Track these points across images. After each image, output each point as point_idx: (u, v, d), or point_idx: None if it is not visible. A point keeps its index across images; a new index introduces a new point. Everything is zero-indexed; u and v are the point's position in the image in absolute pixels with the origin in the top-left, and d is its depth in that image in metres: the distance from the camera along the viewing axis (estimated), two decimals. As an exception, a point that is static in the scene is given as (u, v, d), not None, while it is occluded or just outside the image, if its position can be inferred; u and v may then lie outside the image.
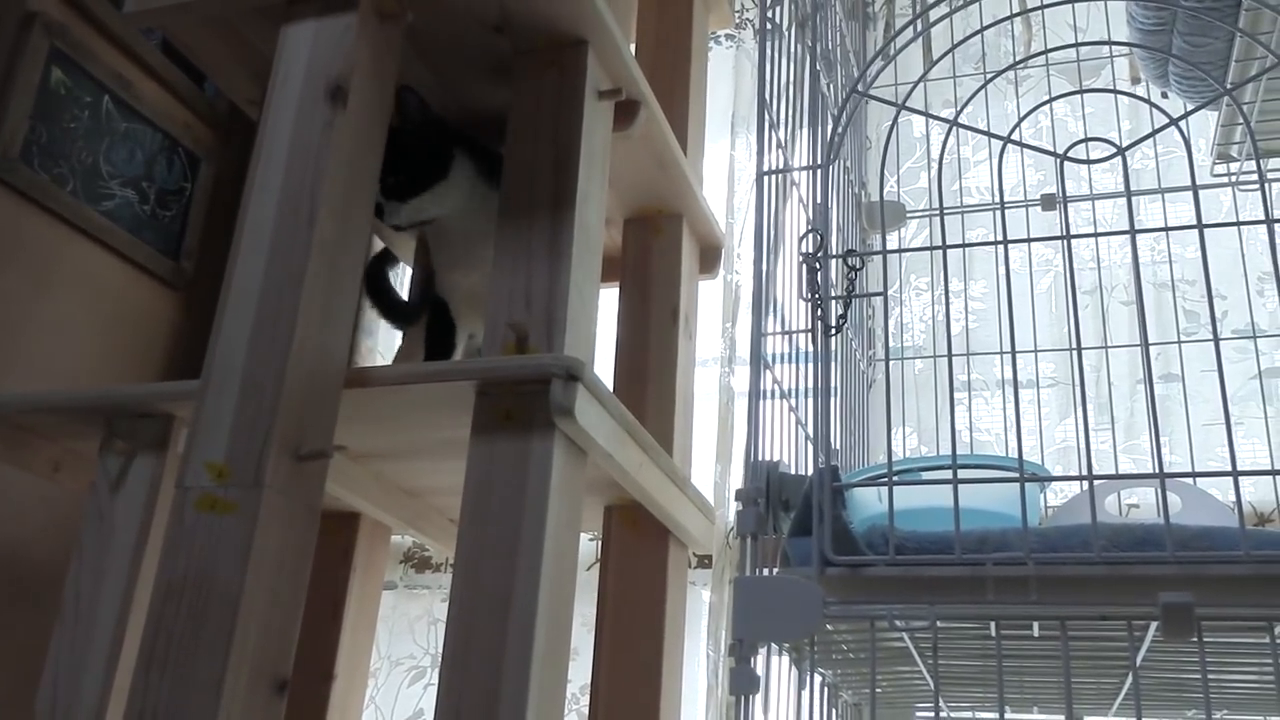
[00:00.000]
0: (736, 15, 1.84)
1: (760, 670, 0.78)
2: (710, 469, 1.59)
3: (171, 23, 1.24)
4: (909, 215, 1.48)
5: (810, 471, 1.02)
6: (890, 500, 0.77)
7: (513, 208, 1.18)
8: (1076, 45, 0.85)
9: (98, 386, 1.22)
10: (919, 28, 0.91)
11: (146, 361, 1.75)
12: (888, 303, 0.86)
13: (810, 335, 0.81)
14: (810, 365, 0.81)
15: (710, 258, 1.61)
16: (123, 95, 1.74)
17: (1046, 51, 0.94)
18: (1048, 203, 1.35)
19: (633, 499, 1.34)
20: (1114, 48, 1.52)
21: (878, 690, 1.21)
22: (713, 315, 1.68)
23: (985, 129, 0.93)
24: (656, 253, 1.52)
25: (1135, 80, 1.62)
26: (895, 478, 0.78)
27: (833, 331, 0.80)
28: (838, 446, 1.17)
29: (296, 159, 1.07)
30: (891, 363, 1.54)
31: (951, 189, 1.61)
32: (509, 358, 1.09)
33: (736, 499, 0.82)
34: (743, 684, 0.76)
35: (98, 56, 1.70)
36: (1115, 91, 1.47)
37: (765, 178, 0.89)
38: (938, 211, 1.49)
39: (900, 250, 0.88)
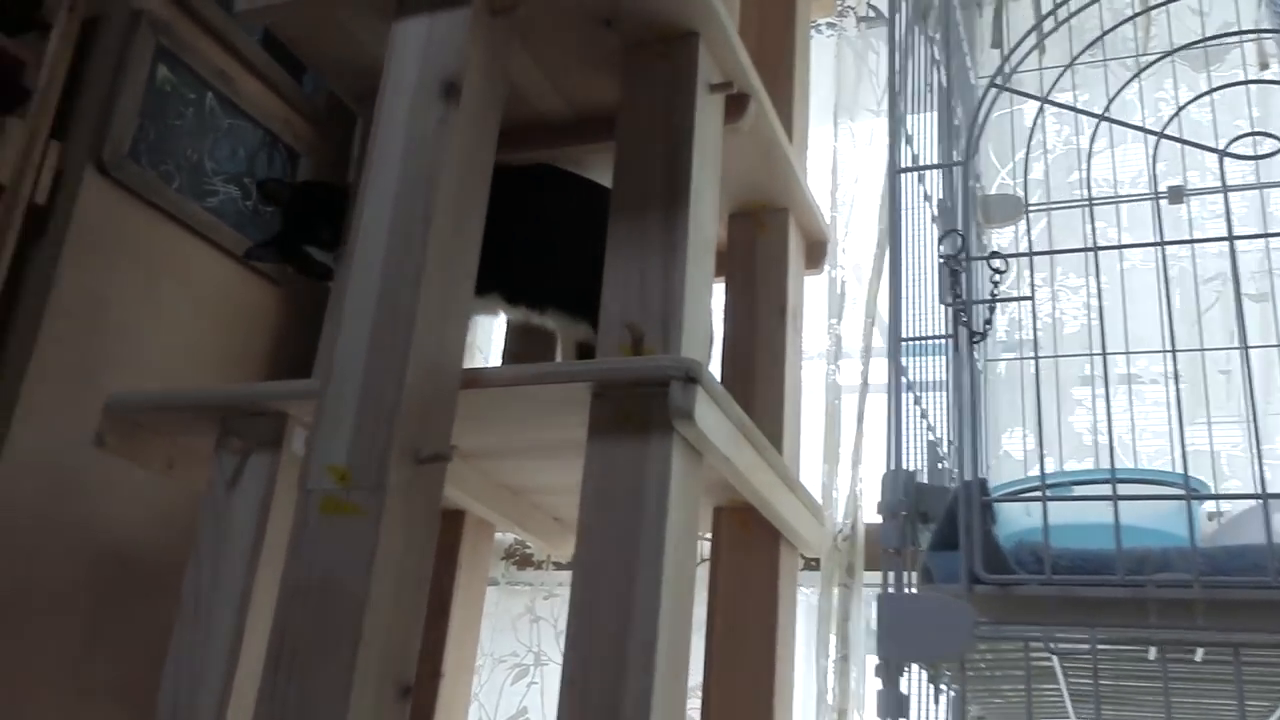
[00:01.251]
0: (838, 3, 1.80)
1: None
2: (817, 468, 1.56)
3: (282, 20, 1.24)
4: (1029, 209, 1.43)
5: (939, 479, 0.99)
6: (1045, 516, 0.73)
7: (625, 205, 1.16)
8: (1211, 41, 0.80)
9: (212, 385, 1.23)
10: (1059, 17, 0.86)
11: (250, 356, 1.76)
12: (1035, 306, 0.82)
13: (952, 341, 0.77)
14: (951, 371, 0.77)
15: (816, 252, 1.58)
16: (225, 92, 1.76)
17: (1206, 43, 0.89)
18: (1175, 195, 1.29)
19: (744, 500, 1.31)
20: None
21: (1004, 704, 1.17)
22: (817, 310, 1.64)
23: (1136, 123, 0.89)
24: (762, 248, 1.49)
25: (1264, 65, 1.55)
26: (1048, 492, 0.74)
27: (977, 338, 0.77)
28: (950, 449, 1.13)
29: (411, 157, 1.06)
30: (1013, 361, 1.49)
31: (1068, 180, 1.56)
32: (626, 359, 1.07)
33: (878, 511, 0.79)
34: (891, 707, 0.73)
35: (201, 53, 1.71)
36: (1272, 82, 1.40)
37: (900, 176, 0.86)
38: (1060, 205, 1.44)
39: (1050, 252, 0.84)
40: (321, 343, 1.29)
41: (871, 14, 1.80)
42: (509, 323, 1.48)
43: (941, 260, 0.78)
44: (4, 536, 1.37)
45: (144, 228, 1.61)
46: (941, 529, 0.80)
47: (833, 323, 1.63)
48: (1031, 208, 1.47)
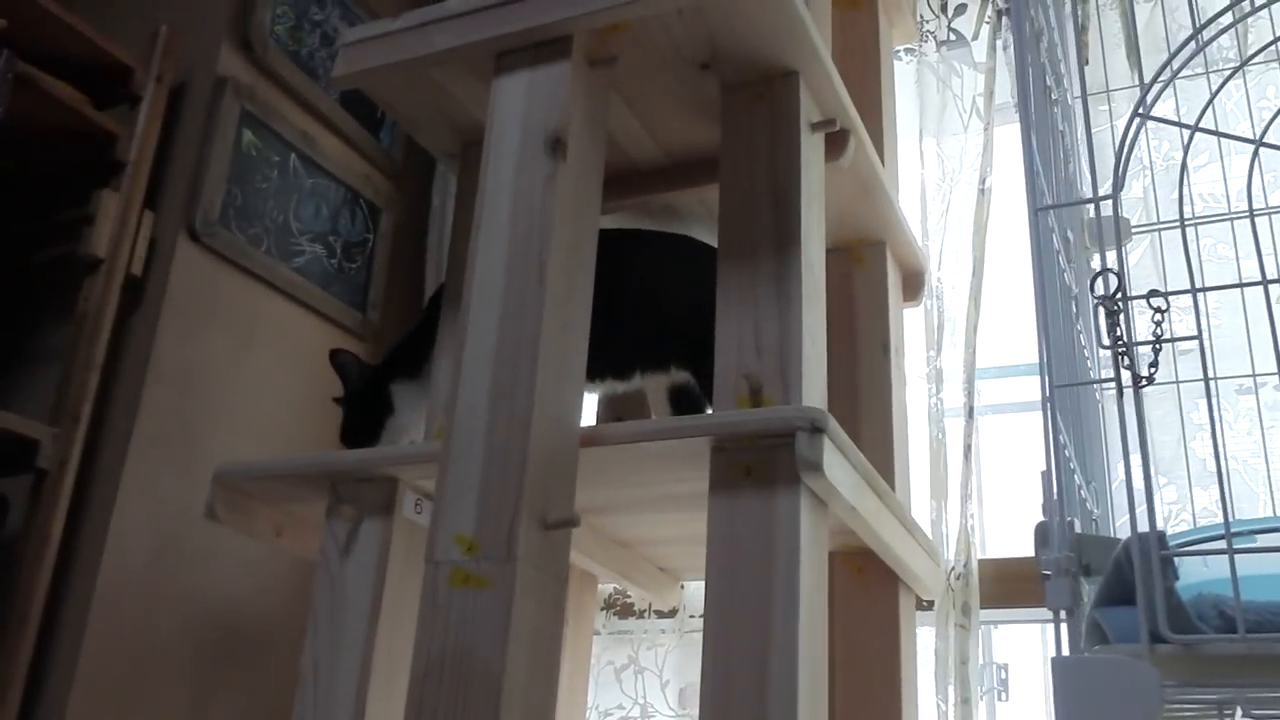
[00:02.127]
0: (920, 28, 1.77)
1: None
2: (924, 504, 1.52)
3: (377, 83, 1.24)
4: (1133, 230, 1.39)
5: (1086, 528, 0.95)
6: (1233, 569, 0.69)
7: (732, 250, 1.13)
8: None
9: (320, 452, 1.22)
10: (1200, 41, 0.83)
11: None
12: (1204, 348, 0.78)
13: (1115, 386, 0.74)
14: (1120, 417, 0.74)
15: (913, 284, 1.54)
16: (307, 152, 1.76)
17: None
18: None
19: (859, 545, 1.28)
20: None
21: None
22: (914, 343, 1.60)
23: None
24: (860, 284, 1.46)
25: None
26: (1235, 543, 0.71)
27: (1144, 383, 0.73)
28: (1091, 489, 1.09)
29: (521, 215, 1.04)
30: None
31: (1171, 198, 1.51)
32: (748, 412, 1.04)
33: (1044, 568, 0.75)
34: (1075, 776, 0.69)
35: (283, 115, 1.72)
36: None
37: (1040, 215, 0.82)
38: (1168, 224, 1.40)
39: (1220, 287, 0.80)
40: (432, 405, 1.27)
41: (953, 38, 1.77)
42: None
43: (1097, 302, 0.75)
44: (115, 608, 1.37)
45: (235, 292, 1.62)
46: (1109, 583, 0.77)
47: (931, 355, 1.59)
48: (1135, 229, 1.42)
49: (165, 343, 1.50)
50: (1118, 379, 0.75)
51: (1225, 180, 1.48)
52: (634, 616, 1.66)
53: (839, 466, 1.03)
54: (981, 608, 1.47)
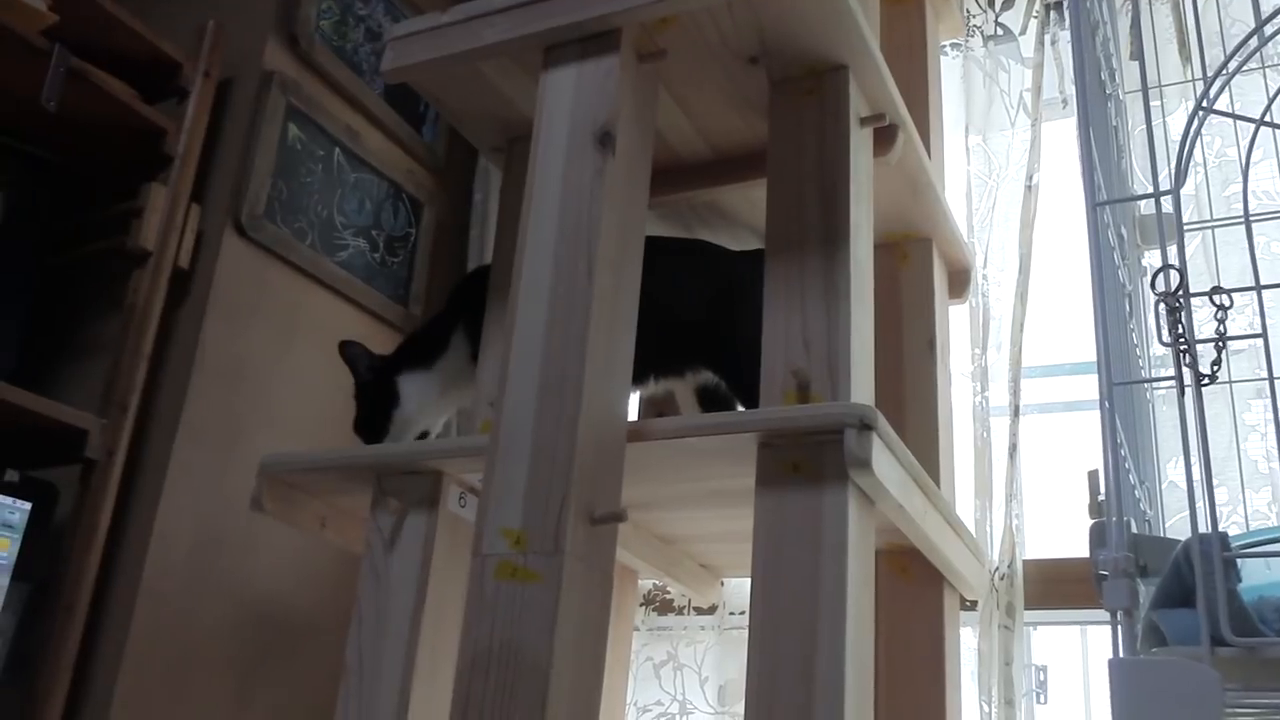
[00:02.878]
0: (966, 23, 1.75)
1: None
2: (968, 503, 1.51)
3: (425, 77, 1.24)
4: (1186, 228, 1.37)
5: (1138, 528, 0.94)
6: (1296, 572, 0.68)
7: (780, 245, 1.13)
8: None
9: (365, 446, 1.22)
10: (1264, 35, 0.81)
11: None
12: (1267, 346, 0.77)
13: (1177, 384, 0.72)
14: (1182, 417, 0.73)
15: (959, 282, 1.53)
16: (351, 146, 1.77)
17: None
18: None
19: (903, 544, 1.27)
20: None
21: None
22: (959, 340, 1.59)
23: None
24: (906, 280, 1.45)
25: None
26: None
27: (1205, 381, 0.72)
28: (1143, 489, 1.07)
29: (570, 210, 1.04)
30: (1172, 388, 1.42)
31: (1224, 195, 1.49)
32: (796, 408, 1.03)
33: (1101, 568, 0.74)
34: (1133, 780, 0.68)
35: (328, 110, 1.73)
36: None
37: (1098, 210, 0.81)
38: (1227, 221, 1.37)
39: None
40: (475, 399, 1.27)
41: (1000, 32, 1.75)
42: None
43: (1158, 298, 0.73)
44: (161, 597, 1.39)
45: (280, 285, 1.63)
46: (1167, 585, 0.75)
47: (976, 353, 1.58)
48: (1187, 226, 1.40)
49: (211, 335, 1.51)
50: (1178, 377, 0.73)
51: (1280, 177, 1.45)
52: (673, 613, 1.66)
53: (887, 464, 1.02)
54: (1026, 608, 1.45)
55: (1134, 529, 0.82)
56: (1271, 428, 1.36)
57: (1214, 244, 1.40)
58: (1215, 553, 0.70)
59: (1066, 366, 1.78)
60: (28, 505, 1.29)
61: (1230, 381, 1.31)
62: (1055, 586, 1.47)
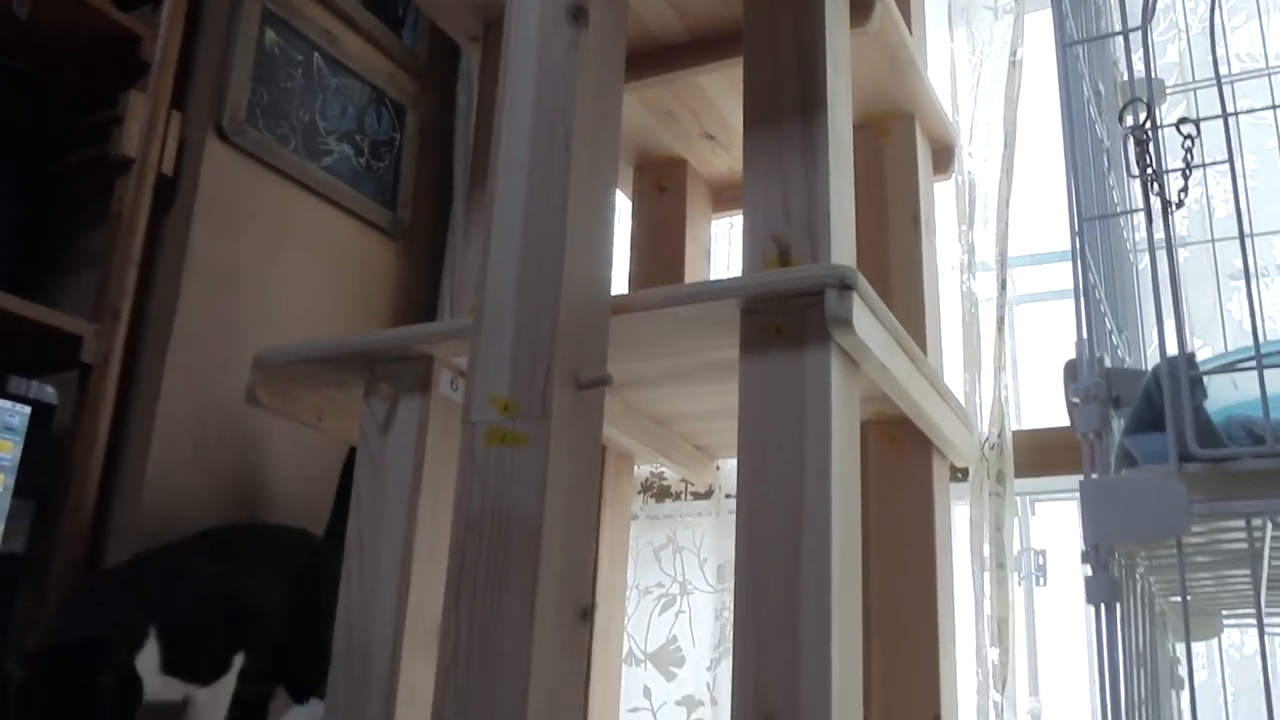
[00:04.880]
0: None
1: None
2: (958, 378, 1.52)
3: (395, -38, 1.23)
4: (1168, 90, 1.37)
5: (1115, 361, 0.95)
6: (1262, 385, 0.69)
7: (758, 115, 1.13)
8: None
9: (356, 334, 1.23)
10: None
11: (372, 311, 1.78)
12: (1235, 172, 0.77)
13: (1145, 215, 0.73)
14: (1149, 248, 0.74)
15: (943, 158, 1.53)
16: (331, 51, 1.76)
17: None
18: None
19: (891, 413, 1.29)
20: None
21: (1193, 597, 1.13)
22: (946, 218, 1.59)
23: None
24: (889, 156, 1.45)
25: None
26: (1263, 361, 0.71)
27: (1174, 207, 0.73)
28: (1123, 338, 1.08)
29: (545, 84, 1.04)
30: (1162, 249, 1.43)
31: (1207, 60, 1.48)
32: (776, 271, 1.04)
33: (1074, 395, 0.76)
34: (1102, 592, 0.71)
35: (305, 14, 1.71)
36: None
37: (1069, 49, 0.81)
38: (1205, 83, 1.37)
39: (1251, 110, 0.79)
40: (461, 283, 1.28)
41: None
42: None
43: (1127, 130, 0.74)
44: (166, 499, 1.41)
45: (266, 190, 1.63)
46: (1139, 411, 0.77)
47: (963, 229, 1.58)
48: (1170, 89, 1.40)
49: (200, 241, 1.51)
50: (1147, 206, 0.74)
51: (1264, 39, 1.44)
52: (671, 499, 1.69)
53: (869, 325, 1.04)
54: (1016, 477, 1.48)
55: (1108, 365, 0.83)
56: (1253, 282, 1.37)
57: (1196, 107, 1.39)
58: (1182, 370, 0.71)
59: (1056, 254, 1.79)
60: (27, 409, 1.31)
61: (1213, 240, 1.32)
62: (1045, 454, 1.49)
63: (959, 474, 1.49)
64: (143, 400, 1.43)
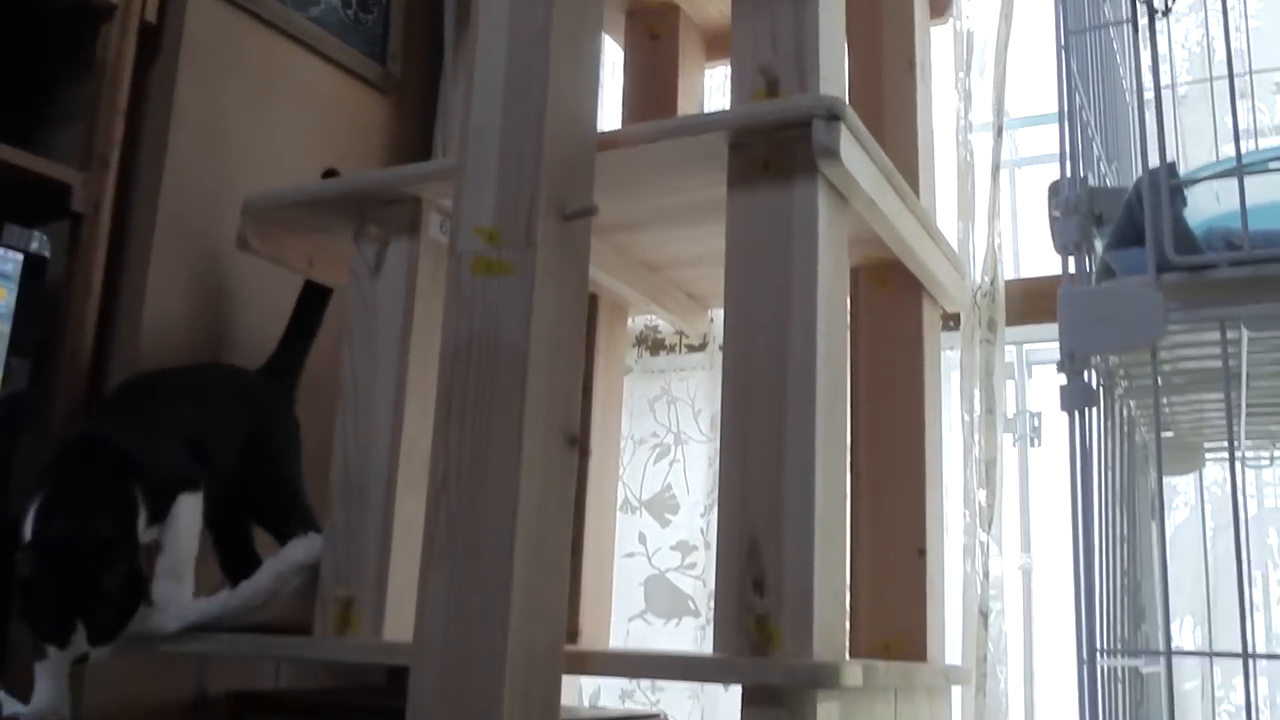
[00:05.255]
0: None
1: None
2: (952, 226, 1.51)
3: None
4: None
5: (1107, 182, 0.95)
6: (1241, 192, 0.69)
7: (747, -54, 1.10)
8: None
9: (344, 177, 1.23)
10: None
11: (362, 166, 1.76)
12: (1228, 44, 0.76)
13: (1131, 25, 0.72)
14: (1135, 58, 0.73)
15: (941, 2, 1.50)
16: (315, -105, 1.71)
17: None
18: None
19: (882, 258, 1.29)
20: None
21: (1165, 434, 1.15)
22: (943, 66, 1.56)
23: None
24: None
25: None
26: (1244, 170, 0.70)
27: (1162, 13, 0.71)
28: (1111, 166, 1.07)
29: (527, -91, 1.01)
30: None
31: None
32: (764, 103, 1.03)
33: (1055, 210, 0.76)
34: (1076, 398, 0.72)
35: None
36: None
37: None
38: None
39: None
40: (450, 124, 1.27)
41: None
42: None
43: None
44: (164, 352, 1.42)
45: (253, 41, 1.60)
46: (1120, 227, 0.77)
47: (960, 76, 1.56)
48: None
49: (186, 91, 1.49)
50: (1133, 15, 0.73)
51: None
52: (665, 351, 1.70)
53: (857, 158, 1.03)
54: (1008, 325, 1.48)
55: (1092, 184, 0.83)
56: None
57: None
58: (1162, 179, 0.71)
59: (1053, 115, 1.76)
60: (20, 256, 1.31)
61: (1211, 80, 1.30)
62: (1038, 302, 1.49)
63: (950, 322, 1.50)
64: (136, 251, 1.43)
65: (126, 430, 1.15)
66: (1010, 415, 1.59)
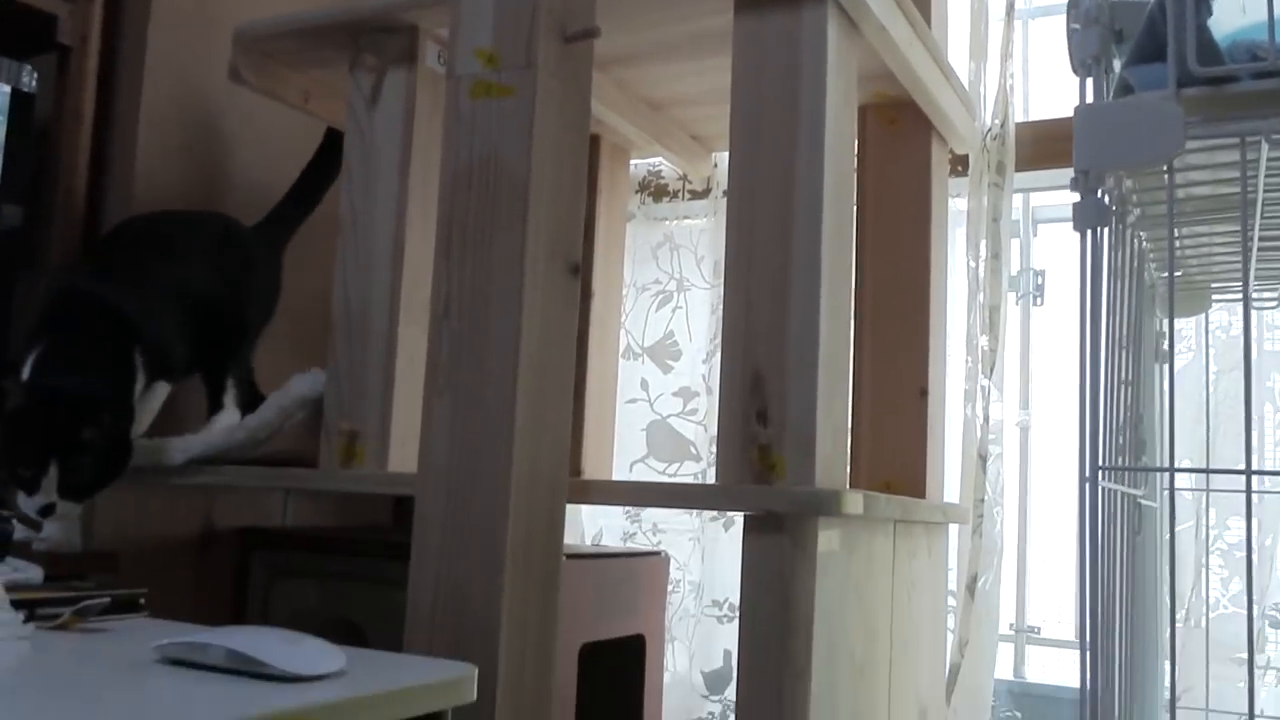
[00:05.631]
0: None
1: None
2: (963, 68, 1.47)
3: None
4: None
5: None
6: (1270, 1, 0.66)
7: None
8: None
9: (338, 5, 1.19)
10: None
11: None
12: None
13: None
14: None
15: None
16: None
17: None
18: None
19: (891, 95, 1.26)
20: None
21: (1177, 274, 1.14)
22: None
23: None
24: None
25: None
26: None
27: None
28: None
29: None
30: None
31: None
32: (773, -81, 0.99)
33: (1073, 21, 0.73)
34: (1089, 217, 0.70)
35: None
36: None
37: None
38: None
39: None
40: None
41: None
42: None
43: None
44: (159, 188, 1.40)
45: None
46: (1140, 42, 0.74)
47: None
48: None
49: (172, -81, 1.44)
50: None
51: None
52: (668, 198, 1.67)
53: (869, -21, 0.99)
54: (1017, 170, 1.46)
55: None
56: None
57: None
58: (1189, -13, 0.68)
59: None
60: (6, 89, 1.28)
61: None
62: (1048, 145, 1.46)
63: (959, 167, 1.47)
64: (127, 85, 1.39)
65: (128, 293, 1.14)
66: (1014, 273, 1.58)
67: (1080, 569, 0.73)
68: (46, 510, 1.02)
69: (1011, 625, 1.60)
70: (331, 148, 1.39)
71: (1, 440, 1.03)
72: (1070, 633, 1.63)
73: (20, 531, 1.05)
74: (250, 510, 1.46)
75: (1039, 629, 1.63)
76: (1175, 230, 0.94)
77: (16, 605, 0.80)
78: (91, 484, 1.05)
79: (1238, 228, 0.95)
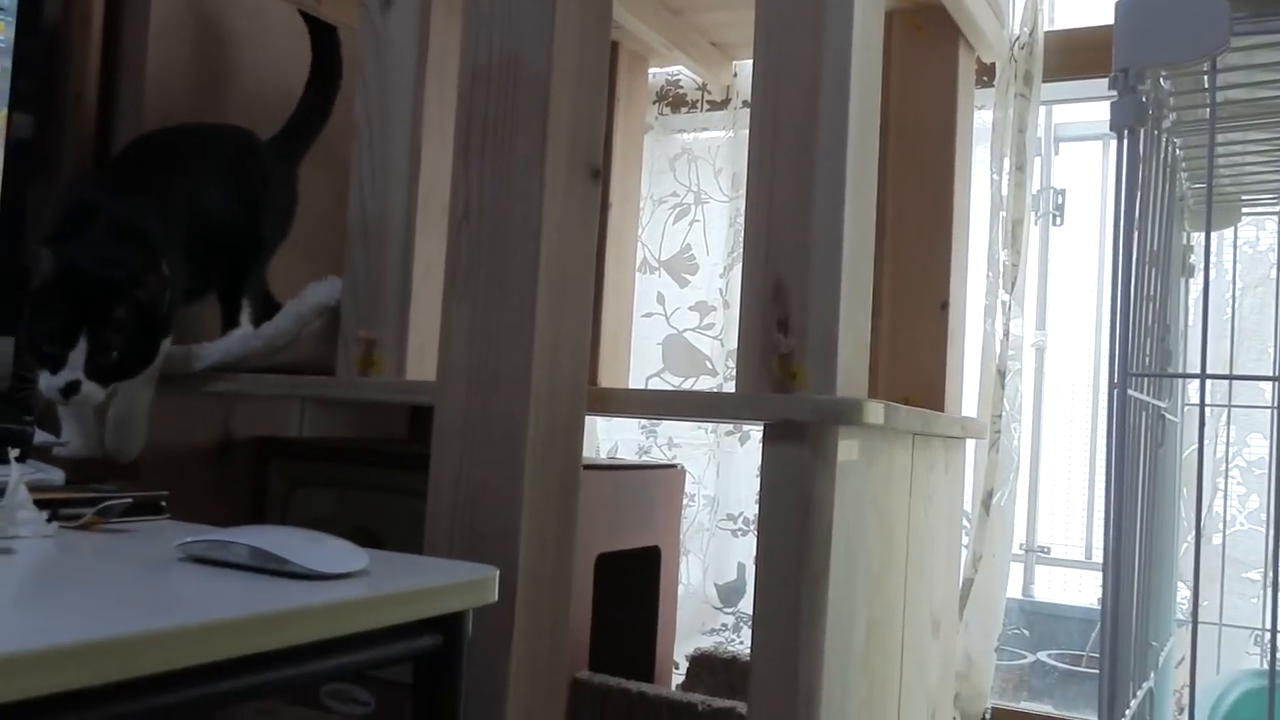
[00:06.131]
0: None
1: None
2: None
3: None
4: None
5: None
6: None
7: None
8: None
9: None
10: None
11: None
12: None
13: None
14: None
15: None
16: None
17: None
18: None
19: (918, 0, 1.23)
20: None
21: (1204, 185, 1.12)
22: None
23: None
24: None
25: None
26: None
27: None
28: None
29: None
30: None
31: None
32: None
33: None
34: (1127, 114, 0.68)
35: None
36: None
37: None
38: None
39: None
40: None
41: None
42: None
43: None
44: (172, 94, 1.38)
45: None
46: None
47: None
48: None
49: None
50: None
51: None
52: (686, 109, 1.64)
53: (902, -126, 0.96)
54: (1045, 81, 1.42)
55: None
56: None
57: None
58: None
59: None
60: (15, -12, 1.25)
61: None
62: (1077, 55, 1.42)
63: (984, 77, 1.44)
64: (135, -8, 1.37)
65: (146, 211, 1.12)
66: (1035, 191, 1.56)
67: (1107, 476, 0.72)
68: (71, 389, 0.97)
69: (1022, 545, 1.60)
70: (323, 48, 1.37)
71: (27, 316, 0.99)
72: (1078, 553, 1.64)
73: (40, 436, 1.05)
74: (266, 421, 1.46)
75: (1049, 549, 1.63)
76: (1222, 135, 0.92)
77: (40, 505, 0.80)
78: (118, 367, 1.01)
79: (1273, 134, 0.93)
